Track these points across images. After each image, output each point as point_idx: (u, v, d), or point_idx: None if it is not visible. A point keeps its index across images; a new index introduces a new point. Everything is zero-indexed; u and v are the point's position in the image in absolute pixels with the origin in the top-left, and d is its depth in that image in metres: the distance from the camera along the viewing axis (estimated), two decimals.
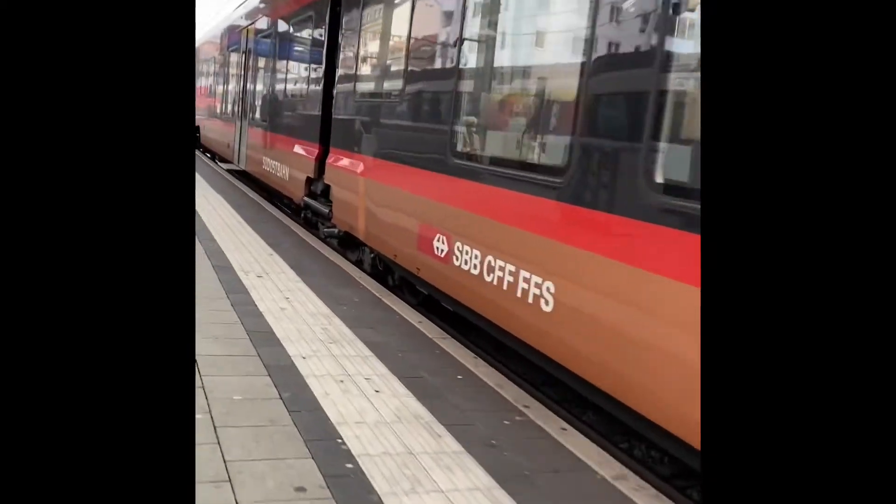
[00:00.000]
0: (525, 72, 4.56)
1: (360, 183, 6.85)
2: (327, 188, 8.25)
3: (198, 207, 8.64)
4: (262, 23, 12.26)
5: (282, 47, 10.91)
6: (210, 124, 18.60)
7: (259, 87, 12.56)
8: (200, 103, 20.07)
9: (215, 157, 18.69)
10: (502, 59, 4.76)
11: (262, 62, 12.40)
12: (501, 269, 4.32)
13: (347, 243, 7.81)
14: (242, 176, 13.99)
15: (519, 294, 4.10)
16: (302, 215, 9.58)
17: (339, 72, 7.83)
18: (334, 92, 8.25)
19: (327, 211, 7.86)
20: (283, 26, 10.91)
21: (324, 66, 8.49)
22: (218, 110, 17.65)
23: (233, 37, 15.69)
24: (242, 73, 14.05)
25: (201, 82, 20.65)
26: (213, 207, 8.94)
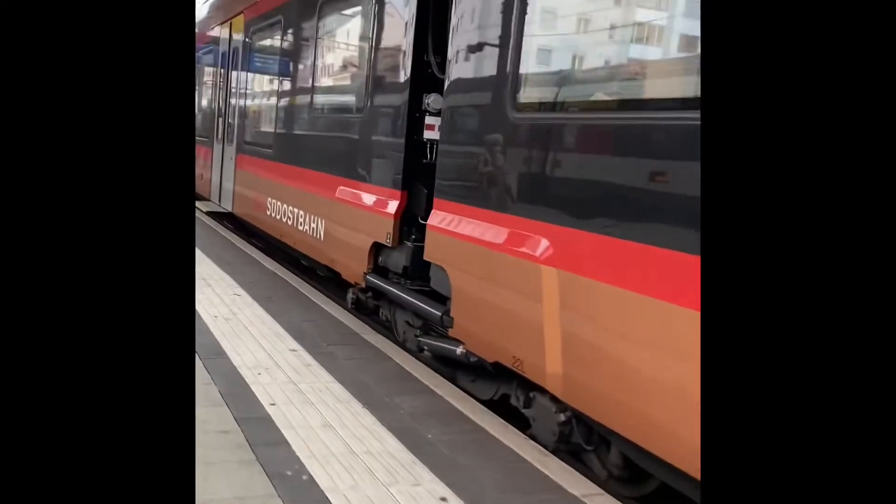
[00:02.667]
0: None
1: (545, 278, 3.47)
2: (421, 265, 4.82)
3: (200, 301, 5.10)
4: (260, 7, 8.74)
5: (301, 38, 7.42)
6: None
7: (257, 96, 9.01)
8: None
9: None
10: None
11: (260, 60, 8.86)
12: None
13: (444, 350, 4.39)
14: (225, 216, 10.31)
15: None
16: (350, 298, 6.06)
17: (455, 69, 4.43)
18: (436, 105, 4.88)
19: (439, 315, 4.42)
20: (300, 8, 7.42)
21: (407, 61, 5.09)
22: None
23: (205, 34, 12.08)
24: (223, 78, 10.47)
25: None
26: (219, 298, 5.28)
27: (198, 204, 10.47)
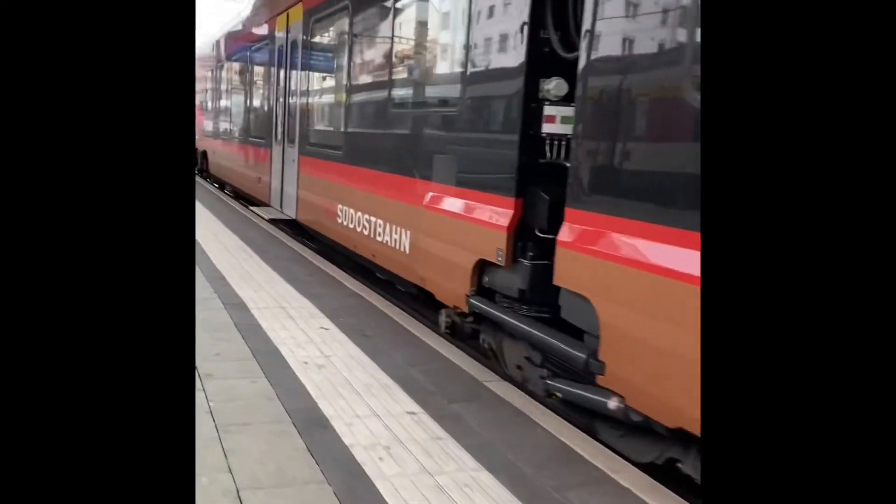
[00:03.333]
0: None
1: None
2: (542, 289, 3.91)
3: (284, 340, 4.27)
4: None
5: (374, 23, 6.57)
6: (219, 147, 14.17)
7: (322, 93, 8.22)
8: (203, 118, 15.62)
9: (224, 186, 14.32)
10: None
11: (325, 53, 8.06)
12: None
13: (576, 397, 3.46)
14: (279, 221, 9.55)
15: None
16: (444, 321, 5.19)
17: (601, 42, 3.48)
18: (559, 91, 3.98)
19: (583, 357, 3.50)
20: None
21: (522, 39, 4.17)
22: (235, 129, 13.26)
23: (254, 31, 11.36)
24: (280, 75, 9.71)
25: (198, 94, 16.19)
26: (305, 335, 4.37)
27: (258, 210, 9.72)
